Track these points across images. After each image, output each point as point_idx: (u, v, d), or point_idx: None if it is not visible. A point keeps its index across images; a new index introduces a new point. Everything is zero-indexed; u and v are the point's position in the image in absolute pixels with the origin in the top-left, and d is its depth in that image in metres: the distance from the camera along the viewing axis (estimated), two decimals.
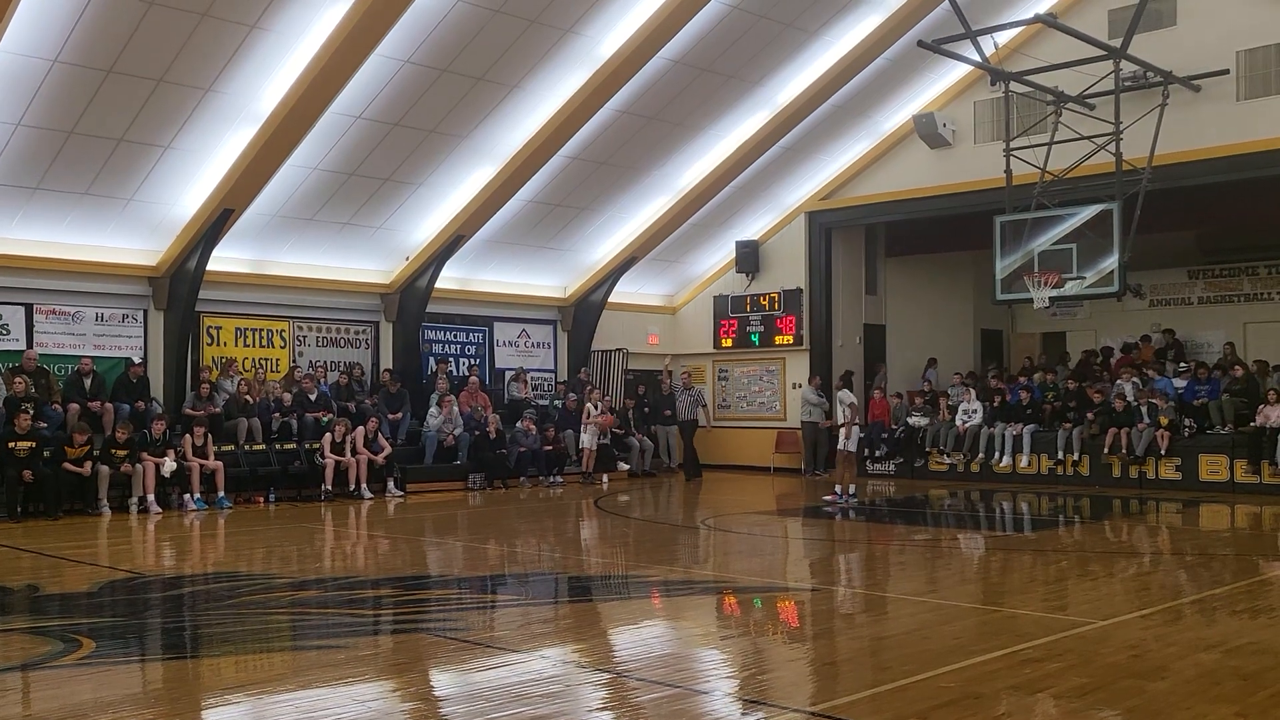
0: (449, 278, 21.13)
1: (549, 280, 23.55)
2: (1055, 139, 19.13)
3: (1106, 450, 19.42)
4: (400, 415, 20.16)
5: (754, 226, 24.38)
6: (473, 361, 22.60)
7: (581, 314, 23.98)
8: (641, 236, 22.75)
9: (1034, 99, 19.61)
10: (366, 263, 20.54)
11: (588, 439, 21.20)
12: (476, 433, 20.19)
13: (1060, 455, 20.04)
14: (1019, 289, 19.21)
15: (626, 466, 22.26)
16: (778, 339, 24.27)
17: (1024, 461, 20.47)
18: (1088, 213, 18.47)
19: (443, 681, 6.54)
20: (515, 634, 7.86)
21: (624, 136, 19.67)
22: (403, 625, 8.46)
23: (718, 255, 24.98)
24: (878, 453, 22.39)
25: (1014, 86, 19.18)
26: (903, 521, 15.86)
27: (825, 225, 23.86)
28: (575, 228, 21.95)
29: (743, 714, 5.73)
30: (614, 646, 7.67)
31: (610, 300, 23.87)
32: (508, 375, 22.83)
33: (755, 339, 24.60)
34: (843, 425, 17.12)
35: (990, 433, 21.00)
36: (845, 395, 17.43)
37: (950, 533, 14.75)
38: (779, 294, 24.20)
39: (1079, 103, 18.91)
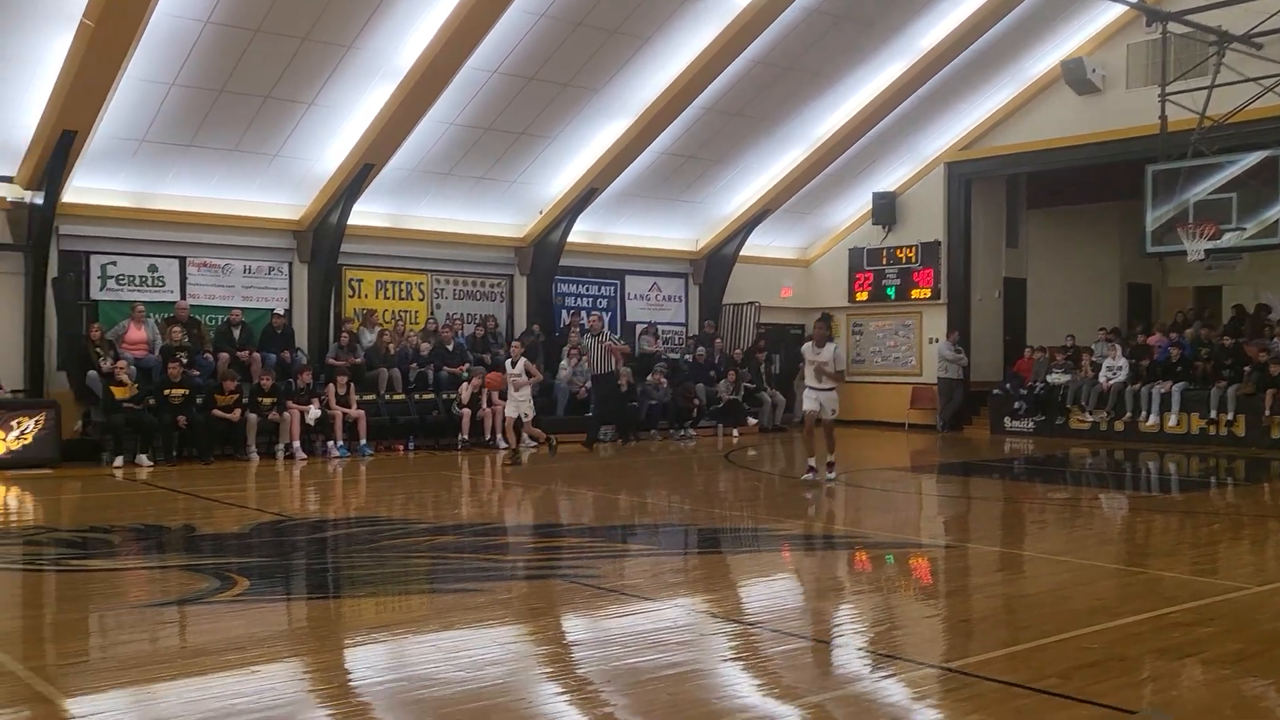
0: (581, 231, 21.25)
1: (681, 233, 23.50)
2: (1216, 82, 18.19)
3: (1268, 411, 18.48)
4: None
5: (891, 178, 23.88)
6: (603, 314, 22.74)
7: (713, 267, 23.89)
8: (775, 189, 22.49)
9: (1194, 39, 18.67)
10: (501, 216, 20.80)
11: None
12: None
13: (1213, 415, 19.21)
14: (1171, 241, 18.45)
15: (755, 421, 22.17)
16: (914, 293, 23.81)
17: (1172, 420, 19.70)
18: (1250, 159, 17.58)
19: (578, 626, 6.64)
20: (648, 582, 7.92)
21: (758, 87, 19.41)
22: (537, 571, 8.61)
23: (853, 207, 24.57)
24: (1016, 407, 21.80)
25: (1172, 27, 18.29)
26: (1041, 480, 15.45)
27: (965, 176, 23.23)
28: (708, 180, 21.82)
29: (876, 668, 5.68)
30: (745, 598, 7.67)
31: (742, 253, 23.71)
32: (639, 328, 22.92)
33: (891, 293, 24.18)
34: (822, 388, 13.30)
35: (1136, 390, 20.26)
36: (825, 350, 13.25)
37: (1091, 492, 14.32)
38: (916, 247, 23.71)
39: (1244, 42, 17.92)
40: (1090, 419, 20.77)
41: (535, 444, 17.34)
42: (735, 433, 21.31)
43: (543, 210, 20.76)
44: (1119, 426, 20.34)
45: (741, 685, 5.52)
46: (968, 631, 6.70)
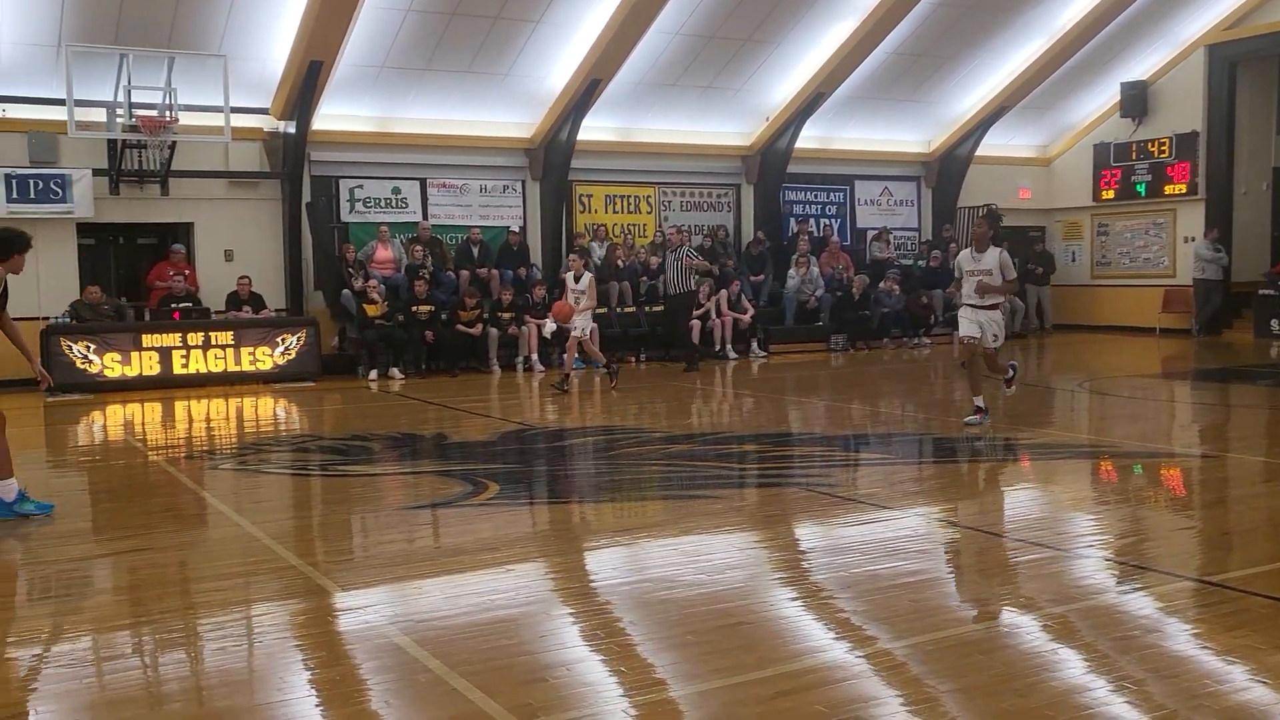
0: (809, 137, 20.87)
1: (912, 135, 22.73)
2: None
3: None
4: (762, 277, 20.39)
5: (1142, 65, 22.29)
6: (831, 222, 22.37)
7: (946, 169, 23.05)
8: (1013, 84, 21.40)
9: None
10: (727, 125, 20.64)
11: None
12: (838, 293, 20.09)
13: None
14: None
15: None
16: (1168, 189, 22.31)
17: None
18: None
19: (816, 533, 6.68)
20: (884, 491, 7.87)
21: None
22: (772, 479, 8.68)
23: (1099, 100, 23.11)
24: None
25: None
26: None
27: (1229, 58, 21.43)
28: (940, 78, 20.96)
29: (1126, 580, 5.48)
30: (984, 507, 7.52)
31: (977, 154, 22.75)
32: (869, 235, 22.45)
33: (1141, 189, 22.74)
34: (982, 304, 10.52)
35: None
36: (988, 256, 10.41)
37: None
38: (1170, 139, 22.15)
39: None
40: None
41: (600, 367, 15.03)
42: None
43: (769, 117, 20.49)
44: None
45: (982, 594, 5.44)
46: (1227, 545, 6.37)
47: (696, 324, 17.72)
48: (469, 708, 3.91)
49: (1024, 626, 4.83)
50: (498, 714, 3.83)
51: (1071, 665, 4.31)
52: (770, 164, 21.02)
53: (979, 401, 10.50)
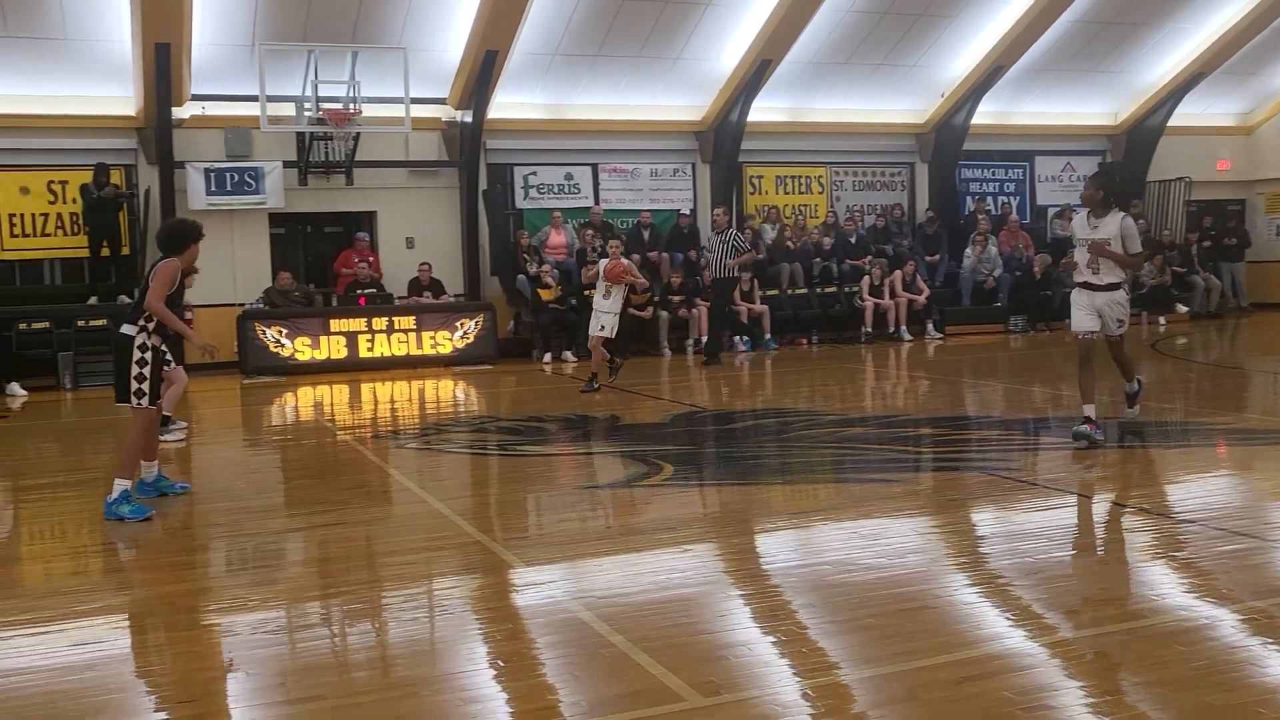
0: (986, 112, 20.25)
1: (1097, 107, 21.80)
2: None
3: None
4: (938, 257, 19.92)
5: None
6: (1010, 200, 21.67)
7: (1135, 141, 22.03)
8: (1211, 48, 20.28)
9: None
10: (900, 103, 20.21)
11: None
12: (1017, 273, 19.47)
13: None
14: None
15: (1186, 309, 20.43)
16: None
17: None
18: None
19: (997, 518, 6.50)
20: (1067, 476, 7.61)
21: None
22: (949, 463, 8.48)
23: None
24: None
25: None
26: None
27: None
28: (1129, 46, 20.04)
29: None
30: (1179, 494, 7.17)
31: (1170, 124, 21.65)
32: (1050, 212, 21.64)
33: None
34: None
35: None
36: (1108, 221, 8.52)
37: None
38: None
39: None
40: None
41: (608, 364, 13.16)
42: (1162, 320, 19.76)
43: (944, 93, 19.97)
44: None
45: (1173, 584, 5.19)
46: None
47: (739, 310, 16.31)
48: (653, 682, 3.96)
49: (1224, 620, 4.59)
50: (681, 689, 3.87)
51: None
52: (945, 141, 20.49)
53: (1089, 410, 8.43)
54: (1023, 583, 5.16)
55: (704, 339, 17.10)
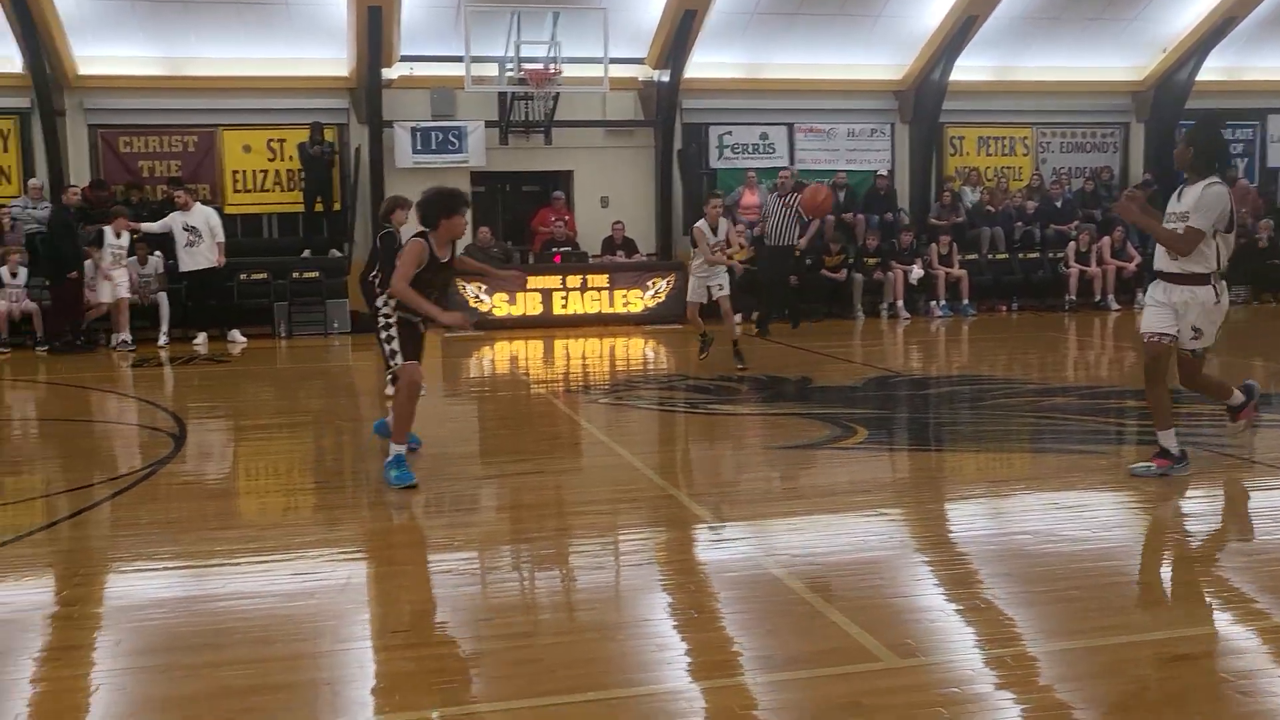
0: (1213, 68, 19.01)
1: None
2: None
3: None
4: None
5: None
6: (1236, 162, 20.35)
7: None
8: None
9: None
10: (1115, 60, 19.19)
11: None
12: (1241, 240, 18.31)
13: None
14: None
15: None
16: None
17: None
18: None
19: (1207, 495, 6.17)
20: None
21: None
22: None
23: None
24: None
25: None
26: None
27: None
28: None
29: None
30: None
31: None
32: None
33: None
34: None
35: None
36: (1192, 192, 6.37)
37: None
38: None
39: None
40: None
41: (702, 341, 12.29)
42: None
43: (1166, 49, 18.85)
44: None
45: None
46: None
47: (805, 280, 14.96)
48: (848, 641, 3.94)
49: None
50: (877, 650, 3.84)
51: None
52: (1165, 100, 19.37)
53: (1166, 440, 6.45)
54: (1235, 563, 4.90)
55: (898, 302, 16.75)
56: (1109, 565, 4.83)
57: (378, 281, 9.27)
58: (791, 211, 13.84)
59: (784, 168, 18.17)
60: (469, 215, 6.99)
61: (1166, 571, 4.83)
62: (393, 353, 6.82)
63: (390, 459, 6.62)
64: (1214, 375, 6.91)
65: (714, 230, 11.77)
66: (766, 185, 18.07)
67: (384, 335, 6.85)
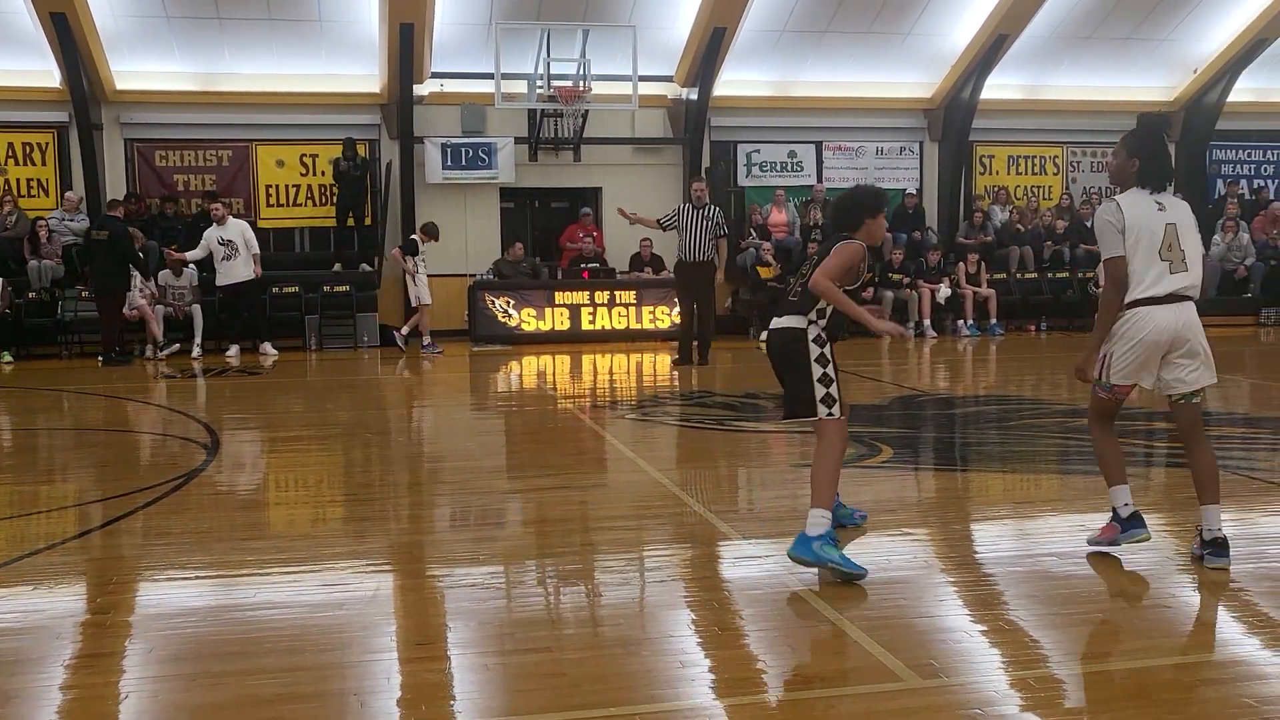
0: (1245, 89, 18.97)
1: None
2: None
3: None
4: None
5: None
6: (1267, 183, 20.24)
7: None
8: None
9: None
10: (1146, 80, 19.18)
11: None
12: (1273, 262, 18.19)
13: None
14: None
15: None
16: None
17: None
18: None
19: (1241, 520, 6.13)
20: None
21: None
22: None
23: None
24: None
25: None
26: None
27: None
28: None
29: None
30: None
31: None
32: None
33: None
34: None
35: None
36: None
37: None
38: None
39: None
40: None
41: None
42: None
43: (1197, 69, 18.81)
44: None
45: None
46: None
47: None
48: (870, 660, 3.95)
49: None
50: (899, 669, 3.85)
51: None
52: (1196, 120, 19.31)
53: (1118, 498, 5.33)
54: (1261, 588, 4.87)
55: (925, 321, 16.72)
56: (1135, 589, 4.82)
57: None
58: (710, 223, 13.13)
59: (813, 186, 18.28)
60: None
61: (1192, 596, 4.81)
62: (829, 398, 5.16)
63: (818, 534, 4.92)
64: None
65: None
66: (794, 203, 18.14)
67: (820, 372, 5.15)
